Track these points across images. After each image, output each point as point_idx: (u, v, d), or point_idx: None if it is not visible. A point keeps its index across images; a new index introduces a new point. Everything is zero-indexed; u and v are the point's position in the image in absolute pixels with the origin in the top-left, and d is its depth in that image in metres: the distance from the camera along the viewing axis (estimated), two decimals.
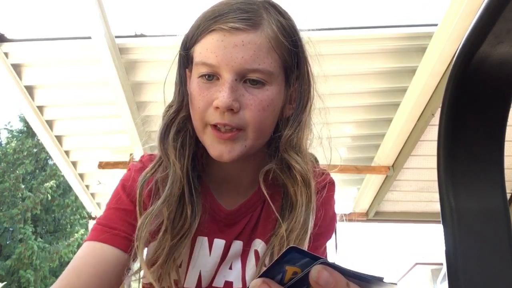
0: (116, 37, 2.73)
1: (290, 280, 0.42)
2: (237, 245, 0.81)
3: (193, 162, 0.78)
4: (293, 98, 0.78)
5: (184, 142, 0.76)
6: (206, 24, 0.71)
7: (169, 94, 0.81)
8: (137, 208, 0.74)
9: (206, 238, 0.79)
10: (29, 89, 3.12)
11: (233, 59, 0.68)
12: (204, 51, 0.70)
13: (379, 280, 0.42)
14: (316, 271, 0.40)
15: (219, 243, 0.80)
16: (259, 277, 0.42)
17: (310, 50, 0.79)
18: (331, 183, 0.85)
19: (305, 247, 0.74)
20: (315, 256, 0.41)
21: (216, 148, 0.71)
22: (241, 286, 0.81)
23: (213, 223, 0.80)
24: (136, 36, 2.88)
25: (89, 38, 2.64)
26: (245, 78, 0.70)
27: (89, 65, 2.97)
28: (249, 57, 0.69)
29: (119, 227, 0.75)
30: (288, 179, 0.76)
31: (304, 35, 0.78)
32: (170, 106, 0.79)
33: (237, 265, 0.81)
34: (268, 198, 0.76)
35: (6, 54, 2.88)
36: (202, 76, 0.71)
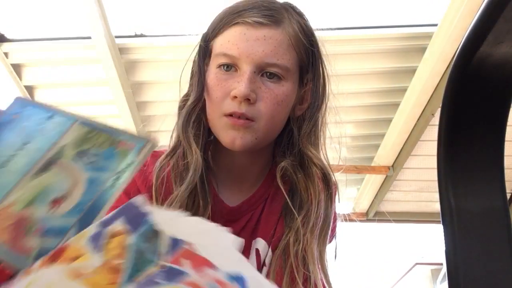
0: (116, 37, 2.73)
1: None
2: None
3: (204, 155, 0.79)
4: (305, 99, 0.81)
5: (199, 132, 0.78)
6: (230, 18, 0.74)
7: (181, 90, 0.83)
8: (153, 196, 0.75)
9: None
10: (29, 89, 3.11)
11: (254, 52, 0.71)
12: (226, 42, 0.73)
13: None
14: None
15: None
16: None
17: (324, 50, 0.82)
18: (334, 185, 0.86)
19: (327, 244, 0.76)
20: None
21: (230, 134, 0.73)
22: None
23: (215, 218, 0.80)
24: (136, 36, 2.88)
25: (89, 38, 2.64)
26: (263, 72, 0.73)
27: (89, 65, 2.97)
28: (270, 52, 0.71)
29: None
30: (300, 175, 0.78)
31: (320, 37, 0.81)
32: (187, 95, 0.80)
33: None
34: (285, 192, 0.77)
35: (6, 54, 2.88)
36: (220, 66, 0.74)
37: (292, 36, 0.74)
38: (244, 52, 0.71)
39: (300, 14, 0.79)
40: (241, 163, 0.82)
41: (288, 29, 0.74)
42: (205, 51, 0.78)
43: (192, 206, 0.76)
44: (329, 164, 0.80)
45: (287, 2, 0.80)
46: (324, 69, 0.81)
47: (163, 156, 0.78)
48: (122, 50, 2.83)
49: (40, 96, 3.18)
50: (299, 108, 0.81)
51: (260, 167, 0.84)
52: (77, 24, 2.68)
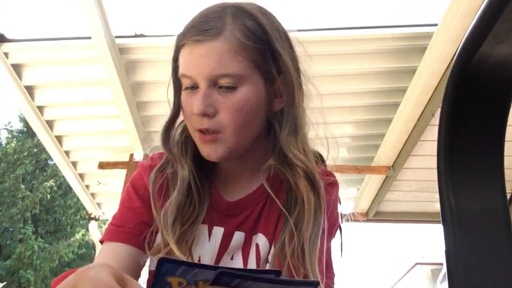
0: (116, 37, 2.73)
1: None
2: (239, 236, 0.83)
3: (201, 157, 0.81)
4: (282, 91, 0.80)
5: (187, 140, 0.82)
6: (179, 40, 0.78)
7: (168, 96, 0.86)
8: (152, 202, 0.80)
9: (206, 226, 0.83)
10: (29, 89, 3.11)
11: (203, 68, 0.74)
12: (182, 63, 0.77)
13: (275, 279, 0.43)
14: None
15: (218, 231, 0.83)
16: None
17: (296, 44, 0.82)
18: (335, 184, 0.86)
19: (319, 243, 0.76)
20: (191, 263, 0.40)
21: (203, 149, 0.78)
22: None
23: (213, 212, 0.83)
24: (136, 36, 2.88)
25: (89, 38, 2.64)
26: (218, 85, 0.75)
27: (89, 65, 2.97)
28: (216, 64, 0.73)
29: (130, 225, 0.81)
30: (289, 174, 0.79)
31: (281, 30, 0.81)
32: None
33: (239, 257, 0.83)
34: (272, 193, 0.79)
35: (6, 54, 2.87)
36: (186, 88, 0.78)
37: (235, 42, 0.74)
38: (195, 71, 0.74)
39: (250, 15, 0.77)
40: (231, 164, 0.85)
41: (230, 37, 0.74)
42: (175, 71, 0.82)
43: (189, 207, 0.80)
44: (314, 162, 0.81)
45: (235, 5, 0.78)
46: (287, 61, 0.79)
47: (157, 167, 0.83)
48: (122, 50, 2.83)
49: (40, 96, 3.18)
50: (278, 101, 0.80)
51: (254, 165, 0.85)
52: (77, 24, 2.68)
